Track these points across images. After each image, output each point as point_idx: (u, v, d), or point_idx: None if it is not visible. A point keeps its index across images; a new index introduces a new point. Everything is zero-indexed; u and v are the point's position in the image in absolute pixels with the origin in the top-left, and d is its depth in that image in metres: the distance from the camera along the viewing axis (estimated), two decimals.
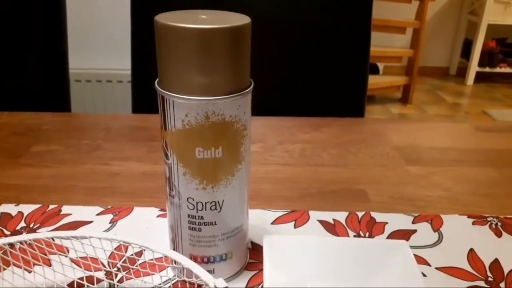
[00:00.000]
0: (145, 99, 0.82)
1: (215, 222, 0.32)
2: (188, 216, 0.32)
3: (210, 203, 0.31)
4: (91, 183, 0.48)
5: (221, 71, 0.27)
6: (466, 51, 3.31)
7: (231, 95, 0.28)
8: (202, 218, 0.32)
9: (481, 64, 3.24)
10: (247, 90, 0.29)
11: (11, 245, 0.32)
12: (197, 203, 0.31)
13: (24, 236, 0.31)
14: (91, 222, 0.41)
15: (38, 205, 0.43)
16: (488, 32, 3.12)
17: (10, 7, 0.78)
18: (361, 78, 0.83)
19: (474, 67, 3.24)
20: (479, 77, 3.31)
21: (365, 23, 0.80)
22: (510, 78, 3.38)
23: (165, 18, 0.27)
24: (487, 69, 3.25)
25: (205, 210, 0.31)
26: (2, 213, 0.42)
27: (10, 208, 0.43)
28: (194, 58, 0.27)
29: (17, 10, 0.79)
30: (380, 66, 3.03)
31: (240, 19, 0.28)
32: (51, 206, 0.43)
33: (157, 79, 0.30)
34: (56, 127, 0.62)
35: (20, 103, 0.77)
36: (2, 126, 0.62)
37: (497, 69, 3.26)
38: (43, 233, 0.31)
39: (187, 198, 0.31)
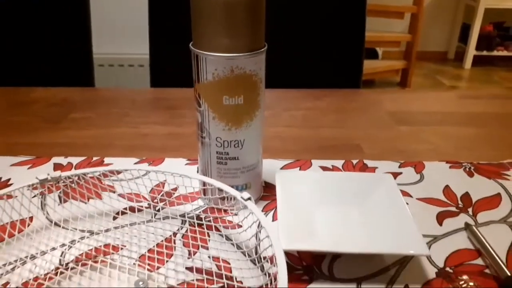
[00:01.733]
0: (161, 79, 0.90)
1: (237, 157, 0.40)
2: (217, 152, 0.40)
3: (234, 142, 0.39)
4: (125, 141, 0.56)
5: (243, 33, 0.35)
6: (464, 36, 3.37)
7: (251, 53, 0.36)
8: (227, 154, 0.40)
9: (478, 48, 3.30)
10: (263, 50, 0.37)
11: (71, 181, 0.40)
12: (223, 141, 0.39)
13: (85, 170, 0.39)
14: (130, 170, 0.49)
15: (84, 157, 0.52)
16: (485, 16, 3.17)
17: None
18: (358, 55, 0.90)
19: (471, 51, 3.30)
20: (477, 61, 3.37)
21: (361, 6, 0.87)
22: (507, 61, 3.44)
23: None
24: (485, 53, 3.31)
25: (230, 147, 0.39)
26: (54, 163, 0.50)
27: (61, 160, 0.51)
28: (222, 23, 0.35)
29: (45, 5, 0.86)
30: (379, 51, 3.09)
31: None
32: (94, 158, 0.52)
33: (191, 42, 0.37)
34: (87, 99, 0.70)
35: (47, 85, 0.85)
36: (39, 99, 0.70)
37: (495, 53, 3.32)
38: (101, 167, 0.40)
39: (216, 138, 0.39)
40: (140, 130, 0.60)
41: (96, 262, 0.34)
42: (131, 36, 1.47)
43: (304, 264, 0.36)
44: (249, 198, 0.35)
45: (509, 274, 0.33)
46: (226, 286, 0.33)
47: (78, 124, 0.61)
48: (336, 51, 0.90)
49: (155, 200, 0.43)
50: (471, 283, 0.32)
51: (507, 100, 0.73)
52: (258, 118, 0.40)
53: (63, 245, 0.37)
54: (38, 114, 0.64)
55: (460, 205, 0.44)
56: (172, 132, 0.59)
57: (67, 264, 0.35)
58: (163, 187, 0.45)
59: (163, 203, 0.42)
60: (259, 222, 0.33)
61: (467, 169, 0.50)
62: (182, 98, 0.71)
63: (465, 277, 0.34)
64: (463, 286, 0.32)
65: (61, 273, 0.33)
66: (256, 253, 0.36)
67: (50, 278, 0.33)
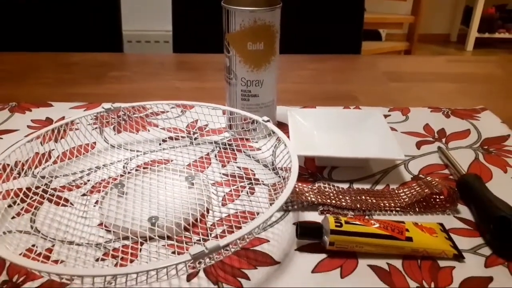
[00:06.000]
0: (183, 49, 1.00)
1: (258, 94, 0.51)
2: (241, 91, 0.50)
3: (255, 81, 0.50)
4: (161, 92, 0.67)
5: None
6: (467, 18, 3.42)
7: (269, 7, 0.46)
8: (250, 91, 0.50)
9: (480, 30, 3.36)
10: (279, 5, 0.47)
11: (125, 116, 0.50)
12: (247, 81, 0.50)
13: (140, 103, 0.50)
14: (167, 112, 0.60)
15: (129, 103, 0.62)
16: None
17: None
18: (357, 27, 1.00)
19: (473, 33, 3.36)
20: (479, 43, 3.44)
21: None
22: (509, 43, 3.50)
23: None
24: (487, 35, 3.38)
25: (252, 86, 0.50)
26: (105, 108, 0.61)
27: (109, 105, 0.62)
28: None
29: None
30: (383, 33, 3.16)
31: None
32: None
33: (223, 0, 0.48)
34: (121, 62, 0.81)
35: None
36: (79, 62, 0.81)
37: (496, 35, 3.38)
38: (152, 102, 0.50)
39: (241, 78, 0.50)
40: (172, 84, 0.70)
41: (153, 168, 0.45)
42: (154, 13, 1.56)
43: (309, 172, 0.47)
44: (268, 120, 0.46)
45: (464, 172, 0.44)
46: (252, 183, 0.44)
47: (118, 80, 0.72)
48: (339, 22, 0.99)
49: (194, 130, 0.54)
50: (436, 179, 0.42)
51: (487, 63, 0.83)
52: (274, 62, 0.50)
53: (125, 159, 0.48)
54: (82, 72, 0.75)
55: (436, 137, 0.55)
56: (198, 86, 0.70)
57: (130, 170, 0.46)
58: (197, 123, 0.56)
59: (198, 134, 0.53)
60: (278, 137, 0.43)
61: (445, 113, 0.61)
62: (203, 61, 0.82)
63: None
64: (428, 179, 0.42)
65: (129, 172, 0.45)
66: (272, 164, 0.47)
67: (121, 176, 0.44)
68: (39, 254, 0.34)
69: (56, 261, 0.34)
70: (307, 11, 0.98)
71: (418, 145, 0.53)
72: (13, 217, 0.38)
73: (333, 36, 1.00)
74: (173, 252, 0.35)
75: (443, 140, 0.54)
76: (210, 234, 0.37)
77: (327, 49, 0.99)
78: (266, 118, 0.46)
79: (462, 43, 3.52)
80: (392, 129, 0.56)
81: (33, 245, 0.35)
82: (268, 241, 0.37)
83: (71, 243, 0.36)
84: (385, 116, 0.60)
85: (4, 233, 0.36)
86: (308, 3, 0.97)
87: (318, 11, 0.98)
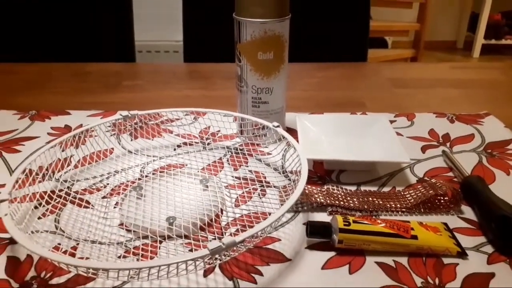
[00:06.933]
0: (193, 59, 1.03)
1: (268, 101, 0.53)
2: (252, 98, 0.53)
3: (265, 89, 0.52)
4: (173, 101, 0.70)
5: (273, 4, 0.48)
6: (473, 25, 3.44)
7: (279, 19, 0.48)
8: (260, 99, 0.53)
9: (487, 36, 3.37)
10: (288, 17, 0.50)
11: (141, 122, 0.53)
12: (257, 89, 0.52)
13: (155, 110, 0.53)
14: (181, 119, 0.62)
15: (143, 111, 0.65)
16: (494, 5, 3.24)
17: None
18: (363, 34, 1.02)
19: (480, 40, 3.37)
20: (485, 50, 3.44)
21: None
22: None
23: None
24: (493, 41, 3.38)
25: (262, 93, 0.52)
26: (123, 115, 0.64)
27: (125, 113, 0.64)
28: None
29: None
30: (389, 40, 3.18)
31: None
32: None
33: (234, 12, 0.50)
34: (134, 71, 0.83)
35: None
36: (95, 71, 0.83)
37: (503, 41, 3.39)
38: (168, 109, 0.53)
39: (252, 86, 0.52)
40: (184, 93, 0.73)
41: (169, 171, 0.48)
42: (164, 24, 1.60)
43: (318, 175, 0.48)
44: (278, 126, 0.48)
45: (468, 174, 0.45)
46: (264, 185, 0.46)
47: (131, 89, 0.74)
48: (345, 30, 1.02)
49: (207, 136, 0.56)
50: (441, 181, 0.44)
51: (491, 69, 0.85)
52: (284, 71, 0.52)
53: (142, 163, 0.50)
54: (97, 82, 0.78)
55: (440, 141, 0.56)
56: (208, 94, 0.72)
57: (147, 174, 0.48)
58: (209, 129, 0.59)
59: (211, 139, 0.56)
60: (287, 142, 0.45)
61: (450, 118, 0.62)
62: (212, 70, 0.84)
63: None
64: (433, 181, 0.44)
65: (146, 176, 0.47)
66: (282, 167, 0.49)
67: (139, 179, 0.46)
68: (65, 252, 0.36)
69: (81, 258, 0.36)
70: (313, 18, 1.01)
71: (423, 149, 0.54)
72: (39, 218, 0.41)
73: (339, 44, 1.03)
74: (190, 250, 0.37)
75: (448, 144, 0.55)
76: (225, 233, 0.39)
77: (333, 57, 1.01)
78: (276, 124, 0.48)
79: (468, 50, 3.53)
80: (398, 134, 0.58)
81: (59, 244, 0.38)
82: (280, 240, 0.39)
83: (94, 242, 0.38)
84: (391, 121, 0.61)
85: (32, 232, 0.38)
86: (313, 10, 1.00)
87: (324, 18, 1.01)
